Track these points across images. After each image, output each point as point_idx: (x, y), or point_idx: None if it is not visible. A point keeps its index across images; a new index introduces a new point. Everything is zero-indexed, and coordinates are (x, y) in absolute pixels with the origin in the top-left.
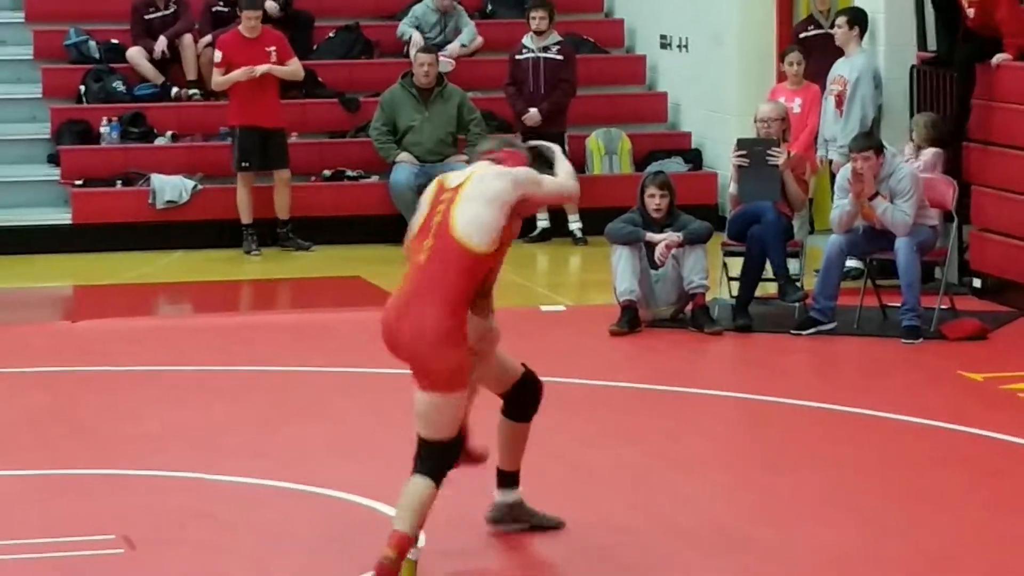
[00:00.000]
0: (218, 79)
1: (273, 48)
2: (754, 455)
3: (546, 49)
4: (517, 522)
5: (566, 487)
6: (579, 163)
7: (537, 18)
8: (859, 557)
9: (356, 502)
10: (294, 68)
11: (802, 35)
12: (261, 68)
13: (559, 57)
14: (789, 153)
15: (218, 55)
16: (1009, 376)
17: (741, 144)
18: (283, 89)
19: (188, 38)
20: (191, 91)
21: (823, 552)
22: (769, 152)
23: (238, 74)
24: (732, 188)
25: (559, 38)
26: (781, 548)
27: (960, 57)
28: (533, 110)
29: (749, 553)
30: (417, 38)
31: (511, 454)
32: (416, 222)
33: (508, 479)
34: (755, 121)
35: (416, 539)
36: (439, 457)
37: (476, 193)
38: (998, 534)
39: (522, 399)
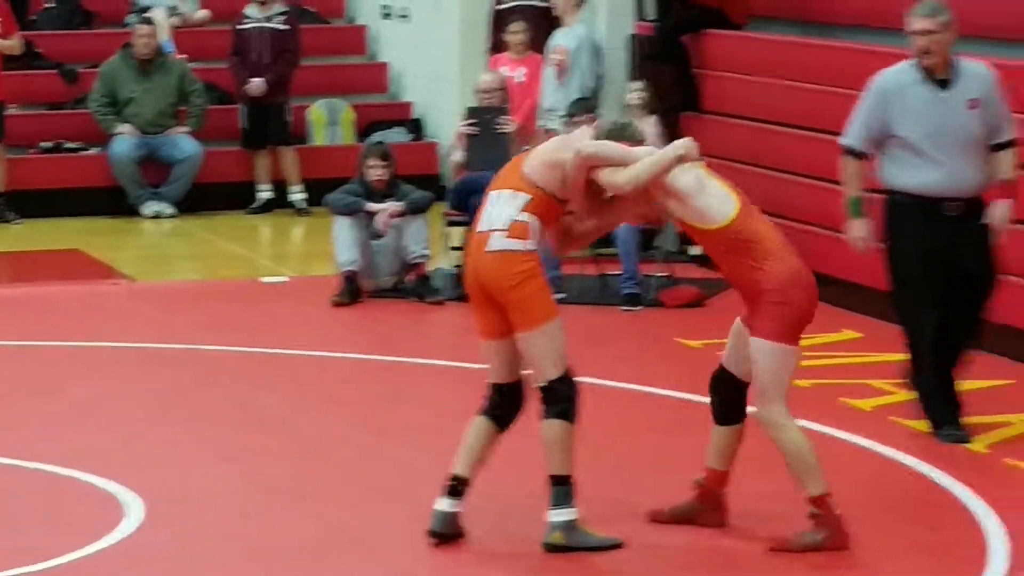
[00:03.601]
0: None
1: None
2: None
3: (270, 19)
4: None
5: (291, 460)
6: (301, 133)
7: None
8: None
9: (74, 476)
10: (12, 43)
11: (498, 7)
12: None
13: (284, 27)
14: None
15: None
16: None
17: (471, 113)
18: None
19: None
20: None
21: (533, 523)
22: (498, 121)
23: None
24: (457, 156)
25: (283, 8)
26: (499, 517)
27: (671, 27)
28: (256, 80)
29: (480, 527)
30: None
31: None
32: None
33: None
34: (475, 91)
35: None
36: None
37: None
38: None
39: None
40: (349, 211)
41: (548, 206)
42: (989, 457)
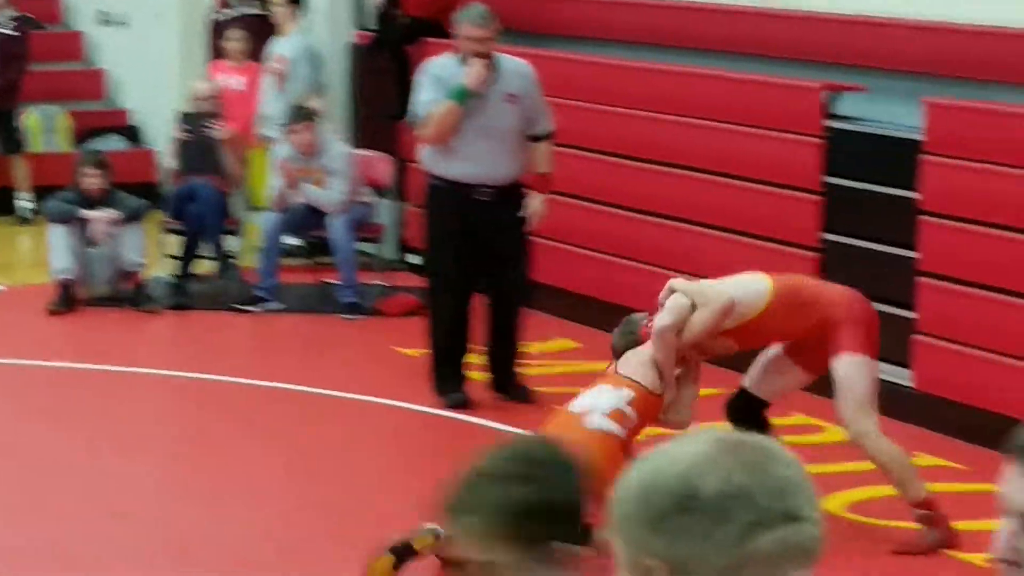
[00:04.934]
0: None
1: None
2: (193, 434)
3: (1, 24)
4: None
5: (5, 473)
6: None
7: None
8: (306, 535)
9: None
10: None
11: (213, 17)
12: None
13: (15, 33)
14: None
15: None
16: None
17: (184, 118)
18: None
19: None
20: None
21: (265, 531)
22: (209, 125)
23: None
24: (170, 162)
25: (15, 13)
26: (218, 528)
27: (392, 36)
28: None
29: (192, 534)
30: None
31: None
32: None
33: None
34: (190, 98)
35: None
36: None
37: None
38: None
39: None
40: (64, 219)
41: (647, 402)
42: None
